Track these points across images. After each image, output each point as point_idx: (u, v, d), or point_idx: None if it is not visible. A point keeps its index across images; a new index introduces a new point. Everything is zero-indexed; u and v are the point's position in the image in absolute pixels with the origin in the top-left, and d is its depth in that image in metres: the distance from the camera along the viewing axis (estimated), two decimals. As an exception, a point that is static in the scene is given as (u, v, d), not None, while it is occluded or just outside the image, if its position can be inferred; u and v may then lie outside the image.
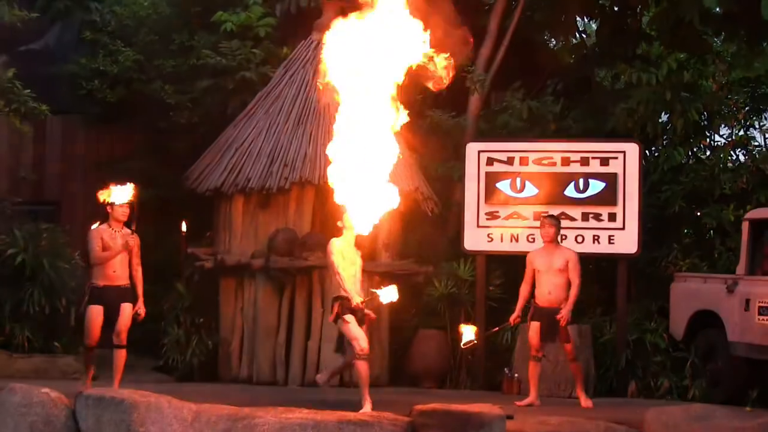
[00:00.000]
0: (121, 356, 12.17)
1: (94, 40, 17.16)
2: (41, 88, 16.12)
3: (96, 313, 11.95)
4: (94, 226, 12.22)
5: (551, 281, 12.52)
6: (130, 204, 12.24)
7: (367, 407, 11.22)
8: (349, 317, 11.58)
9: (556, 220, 12.92)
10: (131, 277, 12.13)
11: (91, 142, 18.55)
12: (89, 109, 17.51)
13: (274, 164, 14.95)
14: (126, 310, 12.00)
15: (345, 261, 11.70)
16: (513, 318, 12.83)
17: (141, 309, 12.15)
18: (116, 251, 11.92)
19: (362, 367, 11.52)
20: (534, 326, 12.60)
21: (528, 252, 13.18)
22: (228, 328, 15.14)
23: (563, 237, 14.26)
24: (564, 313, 12.47)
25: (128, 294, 12.03)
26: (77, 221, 17.42)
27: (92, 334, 12.03)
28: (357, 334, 11.54)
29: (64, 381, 13.42)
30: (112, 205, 12.14)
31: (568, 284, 12.57)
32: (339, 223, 11.86)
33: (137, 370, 15.66)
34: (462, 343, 12.69)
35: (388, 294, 11.74)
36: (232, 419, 9.97)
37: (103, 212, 12.98)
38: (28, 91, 15.58)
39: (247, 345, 14.97)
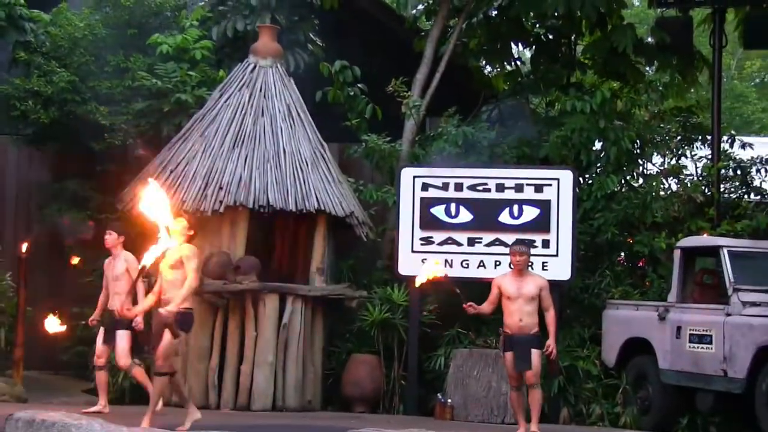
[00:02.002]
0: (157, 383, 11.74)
1: (28, 61, 16.80)
2: (-28, 108, 15.96)
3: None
4: None
5: (523, 309, 11.95)
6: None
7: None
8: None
9: (527, 247, 12.36)
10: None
11: (23, 164, 18.34)
12: (22, 130, 17.26)
13: (209, 187, 14.82)
14: (166, 335, 11.35)
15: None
16: (470, 305, 11.99)
17: (168, 310, 11.27)
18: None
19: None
20: (509, 356, 12.01)
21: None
22: (161, 352, 14.97)
23: (497, 263, 14.36)
24: (553, 347, 12.08)
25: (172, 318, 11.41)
26: (8, 242, 17.21)
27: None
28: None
29: (-8, 404, 13.24)
30: None
31: (536, 311, 12.13)
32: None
33: (68, 391, 15.52)
34: None
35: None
36: (163, 443, 9.89)
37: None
38: (-41, 110, 15.42)
39: (179, 368, 14.74)
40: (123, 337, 12.81)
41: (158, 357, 11.38)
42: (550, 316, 12.12)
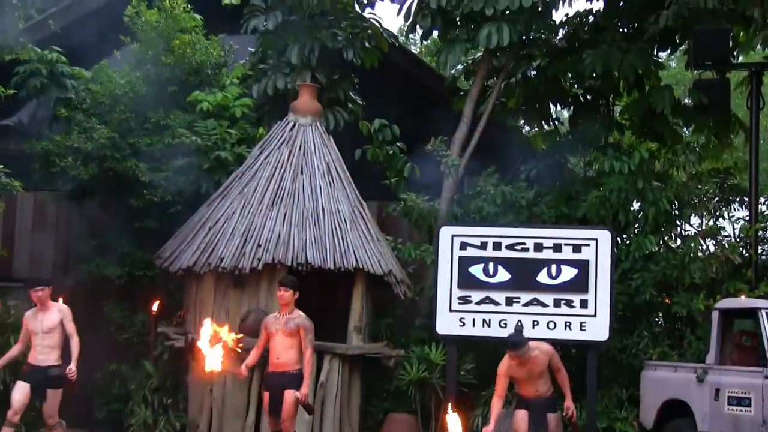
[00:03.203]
0: None
1: (69, 117, 16.97)
2: (14, 164, 16.07)
3: (264, 399, 12.47)
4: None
5: (537, 383, 12.11)
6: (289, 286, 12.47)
7: None
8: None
9: (523, 345, 11.95)
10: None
11: (63, 219, 18.54)
12: (62, 186, 17.44)
13: (248, 244, 14.95)
14: (288, 397, 12.10)
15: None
16: (488, 431, 11.87)
17: (301, 392, 12.12)
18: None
19: None
20: (522, 415, 12.10)
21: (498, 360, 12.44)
22: (196, 409, 15.06)
23: (535, 323, 14.40)
24: (572, 409, 12.14)
25: (293, 380, 12.16)
26: (46, 298, 17.35)
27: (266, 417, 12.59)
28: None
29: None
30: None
31: (549, 376, 12.25)
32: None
33: (103, 450, 15.63)
34: None
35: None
36: (202, 501, 9.95)
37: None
38: (1, 166, 15.54)
39: (215, 426, 14.85)
40: (57, 396, 12.94)
41: (285, 419, 12.11)
42: (561, 377, 12.18)
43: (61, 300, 15.12)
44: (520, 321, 14.05)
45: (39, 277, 13.48)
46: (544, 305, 14.66)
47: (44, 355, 12.91)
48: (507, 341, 12.07)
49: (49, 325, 12.96)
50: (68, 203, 17.82)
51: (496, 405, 11.97)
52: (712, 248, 16.84)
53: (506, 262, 14.85)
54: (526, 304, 14.72)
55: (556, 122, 19.54)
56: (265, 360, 12.79)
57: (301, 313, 12.38)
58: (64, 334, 13.08)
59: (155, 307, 16.04)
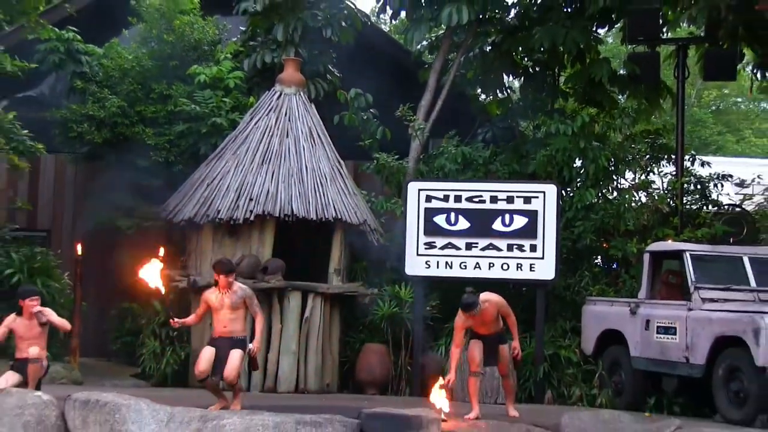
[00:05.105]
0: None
1: (84, 89, 17.03)
2: (37, 129, 16.03)
3: (204, 354, 11.25)
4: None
5: (488, 327, 11.84)
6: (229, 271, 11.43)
7: None
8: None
9: (472, 302, 11.57)
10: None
11: (79, 178, 18.53)
12: (78, 149, 17.45)
13: (241, 199, 14.92)
14: (233, 355, 11.12)
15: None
16: (450, 380, 11.46)
17: (254, 345, 11.35)
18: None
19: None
20: (477, 344, 11.88)
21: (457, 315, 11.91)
22: (198, 341, 14.99)
23: (491, 265, 14.45)
24: (518, 349, 12.06)
25: (240, 344, 11.21)
26: (65, 246, 17.38)
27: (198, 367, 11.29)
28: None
29: (53, 385, 13.29)
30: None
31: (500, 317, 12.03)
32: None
33: (119, 376, 15.62)
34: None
35: None
36: (203, 420, 9.97)
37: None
38: (26, 132, 15.57)
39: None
40: None
41: (231, 371, 11.13)
42: (511, 322, 12.04)
43: (79, 247, 15.21)
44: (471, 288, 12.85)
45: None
46: (499, 249, 14.71)
47: None
48: (461, 304, 11.65)
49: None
50: (84, 164, 17.85)
51: (456, 354, 11.74)
52: (644, 199, 16.88)
53: (466, 213, 14.87)
54: (483, 249, 14.78)
55: (509, 91, 19.50)
56: None
57: (241, 285, 11.54)
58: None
59: (161, 252, 16.06)
